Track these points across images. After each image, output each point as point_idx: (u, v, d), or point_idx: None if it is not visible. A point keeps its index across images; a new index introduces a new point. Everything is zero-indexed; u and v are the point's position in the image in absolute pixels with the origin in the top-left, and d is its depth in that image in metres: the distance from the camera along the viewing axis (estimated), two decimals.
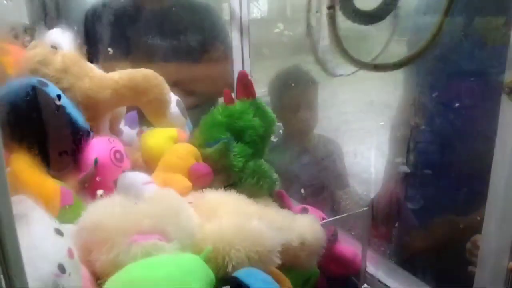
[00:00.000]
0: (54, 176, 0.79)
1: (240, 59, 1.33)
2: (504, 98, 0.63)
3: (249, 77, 0.94)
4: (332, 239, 0.98)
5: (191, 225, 0.62)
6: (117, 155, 0.82)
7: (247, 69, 1.34)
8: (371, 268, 1.02)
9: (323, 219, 0.98)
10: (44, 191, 0.72)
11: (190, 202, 0.70)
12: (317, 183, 1.44)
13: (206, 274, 0.56)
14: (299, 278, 0.90)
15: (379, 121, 1.36)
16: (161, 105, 0.96)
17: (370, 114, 1.39)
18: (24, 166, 0.73)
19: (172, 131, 0.96)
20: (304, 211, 0.93)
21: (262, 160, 0.87)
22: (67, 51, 0.90)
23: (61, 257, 0.50)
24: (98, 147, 0.82)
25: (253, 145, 0.89)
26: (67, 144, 0.80)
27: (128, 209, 0.59)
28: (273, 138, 1.50)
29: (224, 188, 0.84)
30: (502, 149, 0.65)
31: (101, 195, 0.73)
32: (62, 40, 0.91)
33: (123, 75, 0.94)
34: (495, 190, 0.67)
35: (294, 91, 1.46)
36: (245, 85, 0.93)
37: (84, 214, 0.61)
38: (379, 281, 0.99)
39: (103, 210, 0.59)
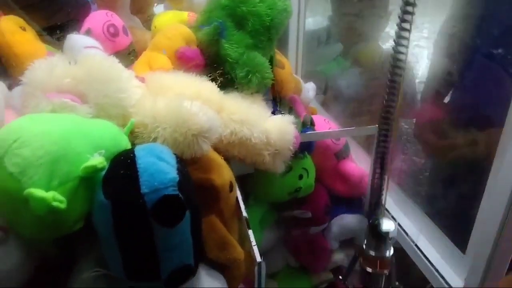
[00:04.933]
0: (52, 43, 0.81)
1: None
2: None
3: None
4: (338, 154, 0.88)
5: (121, 96, 0.58)
6: (111, 29, 0.80)
7: None
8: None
9: (329, 129, 0.87)
10: (29, 51, 0.73)
11: (139, 77, 0.65)
12: None
13: (109, 142, 0.52)
14: (285, 190, 0.83)
15: None
16: None
17: None
18: (13, 27, 0.74)
19: (183, 15, 0.91)
20: (306, 117, 0.83)
21: (257, 52, 0.77)
22: None
23: None
24: (93, 19, 0.80)
25: (255, 35, 0.79)
26: (64, 13, 0.80)
27: (56, 68, 0.57)
28: None
29: (217, 78, 0.78)
30: None
31: None
32: None
33: None
34: None
35: None
36: None
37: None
38: (386, 210, 0.87)
39: (38, 66, 0.58)
